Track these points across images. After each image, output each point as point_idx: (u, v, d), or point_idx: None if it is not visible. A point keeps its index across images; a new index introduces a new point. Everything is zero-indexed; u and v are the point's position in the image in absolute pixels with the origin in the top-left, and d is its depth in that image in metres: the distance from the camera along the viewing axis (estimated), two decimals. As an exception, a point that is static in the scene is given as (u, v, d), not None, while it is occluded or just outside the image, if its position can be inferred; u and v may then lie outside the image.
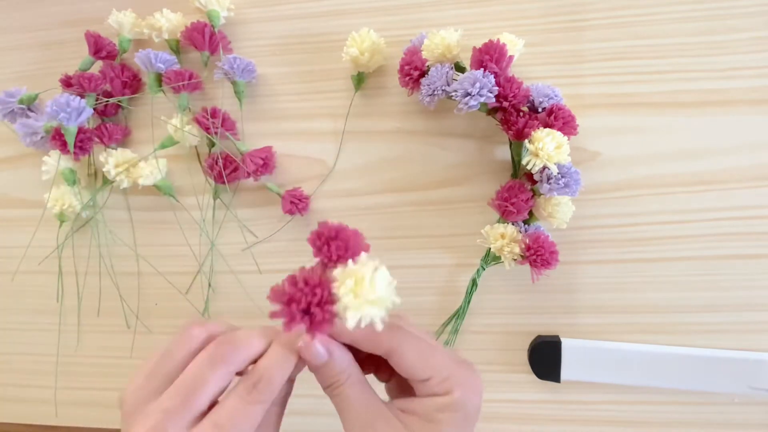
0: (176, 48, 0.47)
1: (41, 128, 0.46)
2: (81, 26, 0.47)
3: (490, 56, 0.38)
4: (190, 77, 0.45)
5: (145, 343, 0.50)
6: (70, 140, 0.44)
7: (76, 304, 0.50)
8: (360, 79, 0.44)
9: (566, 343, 0.43)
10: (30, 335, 0.52)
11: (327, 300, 0.25)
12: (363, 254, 0.25)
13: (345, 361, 0.29)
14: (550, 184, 0.38)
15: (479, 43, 0.38)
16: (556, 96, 0.40)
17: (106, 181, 0.48)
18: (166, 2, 0.46)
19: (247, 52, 0.46)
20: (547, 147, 0.37)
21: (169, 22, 0.45)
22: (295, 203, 0.44)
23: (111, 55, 0.47)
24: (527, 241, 0.39)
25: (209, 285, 0.48)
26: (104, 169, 0.47)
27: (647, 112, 0.42)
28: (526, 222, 0.41)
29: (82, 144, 0.45)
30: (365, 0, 0.44)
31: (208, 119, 0.44)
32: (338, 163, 0.46)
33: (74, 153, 0.45)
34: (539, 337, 0.44)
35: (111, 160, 0.46)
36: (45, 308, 0.51)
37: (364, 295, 0.23)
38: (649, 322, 0.43)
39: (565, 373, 0.43)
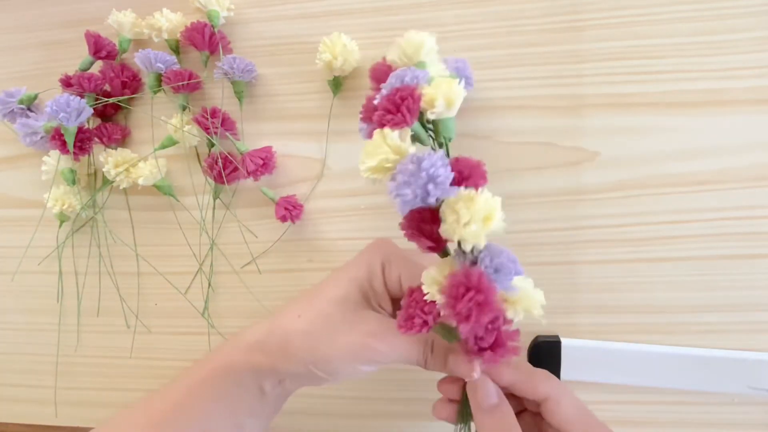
0: (176, 48, 0.47)
1: (41, 128, 0.46)
2: (81, 26, 0.47)
3: (392, 108, 0.29)
4: (190, 77, 0.45)
5: (144, 343, 0.50)
6: (70, 140, 0.44)
7: (76, 304, 0.50)
8: (336, 83, 0.44)
9: (566, 343, 0.43)
10: (30, 335, 0.52)
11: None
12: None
13: (510, 414, 0.30)
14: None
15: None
16: None
17: (106, 181, 0.48)
18: (166, 2, 0.46)
19: (246, 53, 0.46)
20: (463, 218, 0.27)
21: (169, 22, 0.45)
22: (289, 210, 0.44)
23: (111, 55, 0.47)
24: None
25: (209, 285, 0.48)
26: (104, 169, 0.47)
27: (647, 112, 0.42)
28: None
29: (82, 144, 0.45)
30: (364, 0, 0.44)
31: (207, 119, 0.44)
32: (338, 163, 0.46)
33: (74, 153, 0.45)
34: (539, 337, 0.44)
35: (111, 160, 0.46)
36: (45, 308, 0.51)
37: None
38: (649, 322, 0.43)
39: (564, 373, 0.43)
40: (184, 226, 0.48)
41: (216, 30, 0.45)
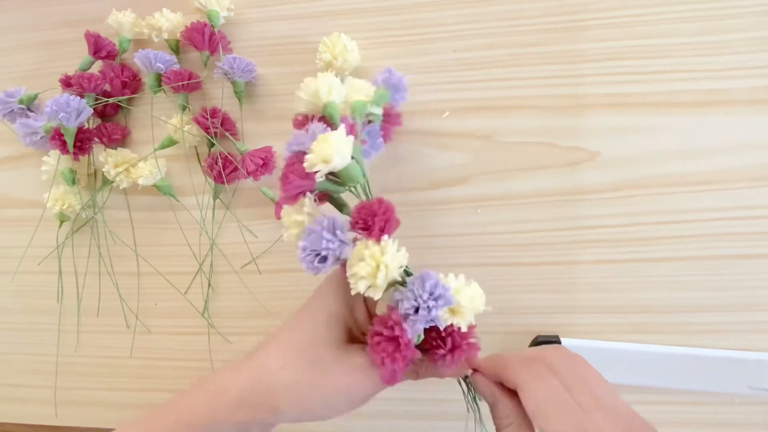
0: (176, 48, 0.47)
1: (41, 128, 0.46)
2: (81, 26, 0.47)
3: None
4: (190, 77, 0.45)
5: (144, 343, 0.50)
6: (70, 140, 0.44)
7: (76, 304, 0.50)
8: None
9: (566, 343, 0.43)
10: (30, 335, 0.52)
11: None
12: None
13: (508, 407, 0.31)
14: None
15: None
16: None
17: (106, 181, 0.48)
18: (166, 2, 0.46)
19: (246, 53, 0.46)
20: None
21: (169, 22, 0.45)
22: None
23: (111, 55, 0.47)
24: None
25: (209, 285, 0.48)
26: (104, 169, 0.47)
27: (647, 112, 0.42)
28: None
29: (82, 144, 0.45)
30: (364, 0, 0.44)
31: (207, 119, 0.44)
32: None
33: (74, 153, 0.45)
34: (539, 337, 0.44)
35: (111, 160, 0.46)
36: (45, 308, 0.51)
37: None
38: (648, 322, 0.43)
39: (564, 373, 0.43)
40: (184, 226, 0.48)
41: (216, 30, 0.45)
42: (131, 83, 0.47)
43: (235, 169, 0.45)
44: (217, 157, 0.45)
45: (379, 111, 0.38)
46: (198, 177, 0.48)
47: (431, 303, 0.29)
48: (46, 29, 0.50)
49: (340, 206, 0.34)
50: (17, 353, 0.53)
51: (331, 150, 0.30)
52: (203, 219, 0.48)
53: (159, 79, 0.46)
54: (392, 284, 0.30)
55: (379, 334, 0.29)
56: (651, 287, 0.43)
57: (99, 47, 0.46)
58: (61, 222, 0.49)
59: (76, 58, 0.48)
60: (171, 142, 0.46)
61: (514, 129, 0.43)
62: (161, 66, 0.45)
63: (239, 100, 0.46)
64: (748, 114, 0.41)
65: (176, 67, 0.46)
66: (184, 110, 0.46)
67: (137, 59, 0.45)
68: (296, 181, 0.31)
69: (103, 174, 0.47)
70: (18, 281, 0.52)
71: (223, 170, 0.45)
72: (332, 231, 0.30)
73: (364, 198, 0.33)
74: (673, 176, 0.42)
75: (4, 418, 0.54)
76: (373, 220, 0.29)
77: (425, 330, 0.30)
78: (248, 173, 0.44)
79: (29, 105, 0.48)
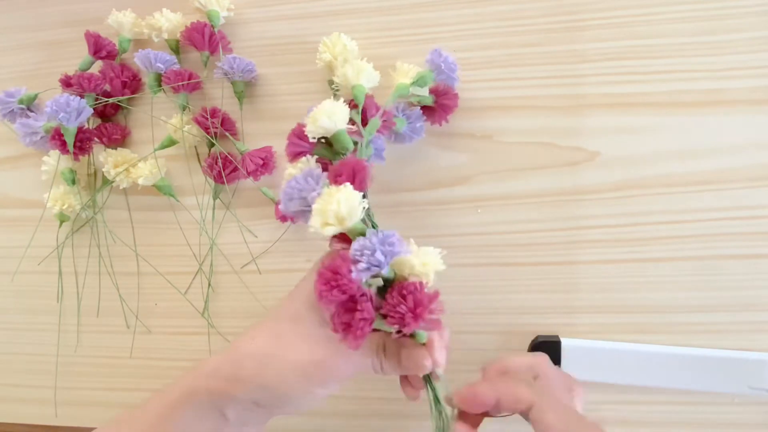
0: (176, 48, 0.47)
1: (41, 128, 0.46)
2: (81, 26, 0.47)
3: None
4: (190, 77, 0.45)
5: (144, 343, 0.50)
6: (70, 140, 0.44)
7: (76, 304, 0.50)
8: (334, 84, 0.44)
9: (566, 343, 0.43)
10: (30, 335, 0.52)
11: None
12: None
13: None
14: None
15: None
16: None
17: (106, 181, 0.48)
18: (166, 2, 0.46)
19: (246, 53, 0.46)
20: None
21: (169, 22, 0.45)
22: None
23: (111, 55, 0.47)
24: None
25: (209, 285, 0.48)
26: (104, 169, 0.47)
27: (647, 112, 0.42)
28: None
29: (82, 144, 0.45)
30: (364, 0, 0.44)
31: (207, 119, 0.44)
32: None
33: (74, 153, 0.45)
34: (539, 337, 0.44)
35: (111, 160, 0.46)
36: (45, 308, 0.51)
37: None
38: (649, 322, 0.43)
39: (564, 373, 0.43)
40: (184, 226, 0.48)
41: (216, 30, 0.45)
42: (131, 83, 0.47)
43: (235, 169, 0.45)
44: (217, 157, 0.45)
45: (423, 92, 0.40)
46: (198, 177, 0.48)
47: (378, 247, 0.29)
48: (46, 29, 0.50)
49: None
50: (17, 353, 0.53)
51: (320, 112, 0.32)
52: (203, 219, 0.48)
53: (159, 79, 0.46)
54: (355, 236, 0.30)
55: (325, 274, 0.29)
56: (651, 287, 0.43)
57: (99, 47, 0.46)
58: (61, 222, 0.49)
59: (76, 58, 0.48)
60: (171, 142, 0.46)
61: (514, 129, 0.43)
62: (161, 66, 0.45)
63: (239, 100, 0.46)
64: (748, 114, 0.41)
65: (176, 67, 0.46)
66: (184, 110, 0.46)
67: (137, 59, 0.45)
68: (296, 141, 0.34)
69: (103, 174, 0.47)
70: (18, 281, 0.52)
71: (223, 170, 0.45)
72: (305, 177, 0.32)
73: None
74: (673, 176, 0.42)
75: (4, 418, 0.54)
76: (343, 170, 0.31)
77: (385, 298, 0.30)
78: (248, 173, 0.44)
79: (29, 105, 0.48)
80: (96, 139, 0.47)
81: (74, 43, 0.48)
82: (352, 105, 0.37)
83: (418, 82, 0.40)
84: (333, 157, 0.35)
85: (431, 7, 0.44)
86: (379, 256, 0.28)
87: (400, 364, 0.32)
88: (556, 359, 0.43)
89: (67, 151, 0.44)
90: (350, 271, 0.28)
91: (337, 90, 0.41)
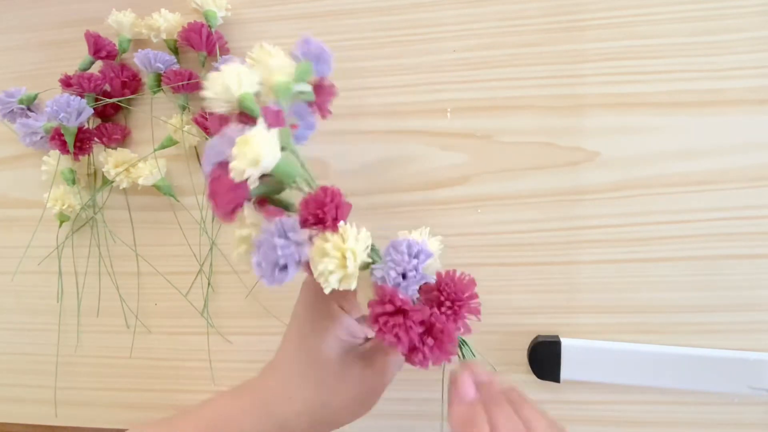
0: (175, 48, 0.47)
1: (41, 128, 0.46)
2: (81, 26, 0.47)
3: None
4: (190, 77, 0.45)
5: (144, 343, 0.50)
6: (70, 140, 0.44)
7: (76, 304, 0.50)
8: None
9: (566, 343, 0.43)
10: (30, 335, 0.52)
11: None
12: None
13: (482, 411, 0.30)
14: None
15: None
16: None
17: (106, 181, 0.48)
18: (166, 2, 0.46)
19: (244, 53, 0.46)
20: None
21: (167, 22, 0.45)
22: None
23: (111, 55, 0.47)
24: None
25: (209, 285, 0.48)
26: (104, 169, 0.47)
27: (647, 112, 0.41)
28: None
29: (82, 144, 0.45)
30: (364, 0, 0.44)
31: (207, 119, 0.44)
32: (338, 163, 0.46)
33: (74, 153, 0.45)
34: (539, 337, 0.44)
35: (111, 160, 0.46)
36: (45, 308, 0.51)
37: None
38: (649, 322, 0.43)
39: (564, 373, 0.43)
40: (184, 226, 0.48)
41: (213, 30, 0.45)
42: (131, 83, 0.47)
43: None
44: (217, 157, 0.45)
45: (306, 88, 0.35)
46: (198, 177, 0.48)
47: (414, 262, 0.28)
48: (46, 29, 0.50)
49: (285, 206, 0.31)
50: (17, 353, 0.53)
51: (256, 150, 0.26)
52: (203, 219, 0.48)
53: (159, 79, 0.46)
54: (363, 268, 0.29)
55: (382, 314, 0.27)
56: (651, 287, 0.43)
57: (99, 47, 0.46)
58: (61, 222, 0.49)
59: (76, 58, 0.48)
60: (171, 142, 0.46)
61: (514, 129, 0.43)
62: (161, 66, 0.45)
63: (239, 100, 0.46)
64: (748, 114, 0.41)
65: (176, 67, 0.46)
66: (183, 110, 0.46)
67: (137, 59, 0.45)
68: (227, 195, 0.28)
69: (103, 174, 0.47)
70: (18, 281, 0.52)
71: (223, 170, 0.45)
72: (284, 235, 0.27)
73: (308, 190, 0.30)
74: (673, 176, 0.42)
75: (4, 418, 0.54)
76: (324, 211, 0.27)
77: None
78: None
79: (29, 105, 0.48)
80: (96, 139, 0.47)
81: (74, 43, 0.48)
82: (243, 118, 0.31)
83: (299, 77, 0.34)
84: (276, 192, 0.30)
85: (431, 7, 0.43)
86: (421, 271, 0.29)
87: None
88: (557, 359, 0.43)
89: (67, 151, 0.44)
90: (407, 299, 0.28)
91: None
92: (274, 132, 0.28)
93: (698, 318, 0.42)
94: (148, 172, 0.46)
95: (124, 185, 0.47)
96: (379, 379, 0.32)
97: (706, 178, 0.41)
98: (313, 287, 0.33)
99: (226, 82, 0.30)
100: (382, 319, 0.27)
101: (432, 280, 0.30)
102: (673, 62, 0.41)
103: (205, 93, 0.30)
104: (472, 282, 0.30)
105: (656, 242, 0.42)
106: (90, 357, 0.51)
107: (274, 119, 0.29)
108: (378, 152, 0.45)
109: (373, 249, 0.30)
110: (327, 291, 0.28)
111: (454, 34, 0.43)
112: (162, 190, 0.47)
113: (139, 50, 0.45)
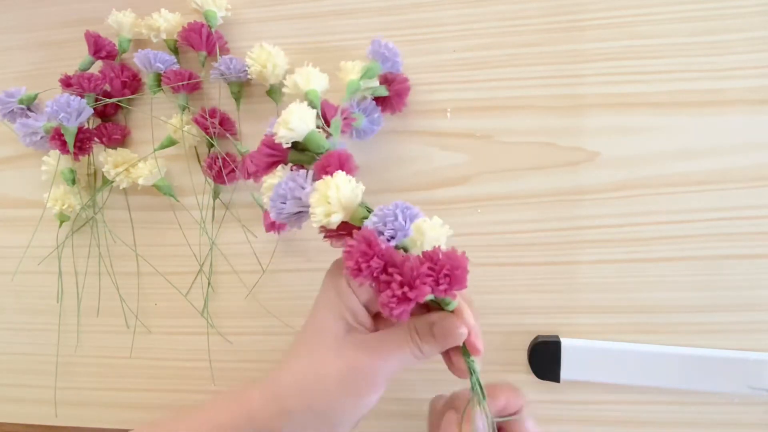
0: (174, 48, 0.47)
1: (41, 128, 0.46)
2: (81, 26, 0.47)
3: None
4: (190, 77, 0.45)
5: (144, 343, 0.50)
6: (70, 140, 0.44)
7: (76, 304, 0.50)
8: (273, 91, 0.44)
9: (566, 343, 0.43)
10: (30, 335, 0.52)
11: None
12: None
13: None
14: None
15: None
16: None
17: (106, 181, 0.48)
18: (166, 2, 0.46)
19: (244, 53, 0.46)
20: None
21: (167, 22, 0.45)
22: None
23: (111, 55, 0.47)
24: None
25: (209, 285, 0.48)
26: (104, 169, 0.47)
27: (647, 112, 0.41)
28: None
29: (82, 144, 0.45)
30: (364, 0, 0.44)
31: (207, 119, 0.44)
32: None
33: (74, 153, 0.45)
34: (539, 337, 0.44)
35: (111, 160, 0.46)
36: (45, 308, 0.51)
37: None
38: (649, 322, 0.43)
39: (564, 373, 0.43)
40: (184, 226, 0.48)
41: (213, 30, 0.45)
42: (131, 83, 0.47)
43: (235, 168, 0.45)
44: (217, 157, 0.45)
45: (374, 83, 0.40)
46: (198, 177, 0.48)
47: (398, 212, 0.29)
48: (46, 29, 0.50)
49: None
50: (17, 353, 0.53)
51: (290, 116, 0.32)
52: (203, 219, 0.48)
53: (159, 79, 0.46)
54: (359, 222, 0.30)
55: (351, 245, 0.28)
56: (651, 287, 0.43)
57: (99, 47, 0.46)
58: (61, 222, 0.49)
59: (76, 58, 0.48)
60: (171, 142, 0.46)
61: (514, 129, 0.43)
62: (161, 66, 0.45)
63: (236, 100, 0.46)
64: (748, 114, 0.41)
65: (176, 67, 0.46)
66: (183, 110, 0.46)
67: (137, 59, 0.45)
68: (268, 150, 0.34)
69: (103, 174, 0.47)
70: (18, 281, 0.52)
71: (223, 170, 0.45)
72: (292, 178, 0.32)
73: None
74: (673, 176, 0.42)
75: (4, 418, 0.54)
76: (328, 162, 0.31)
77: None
78: (248, 174, 0.44)
79: (29, 105, 0.48)
80: (96, 139, 0.47)
81: (74, 43, 0.48)
82: None
83: (367, 74, 0.40)
84: (309, 161, 0.34)
85: (431, 7, 0.43)
86: (401, 220, 0.29)
87: (436, 339, 0.31)
88: (556, 359, 0.43)
89: (67, 151, 0.44)
90: (375, 236, 0.28)
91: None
92: (312, 110, 0.33)
93: (698, 318, 0.42)
94: (148, 172, 0.46)
95: (124, 185, 0.47)
96: (371, 365, 0.31)
97: (706, 178, 0.41)
98: (332, 265, 0.34)
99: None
100: (348, 248, 0.28)
101: (410, 233, 0.30)
102: (673, 62, 0.41)
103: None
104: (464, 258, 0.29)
105: (656, 242, 0.42)
106: (90, 357, 0.51)
107: (329, 111, 0.36)
108: (378, 152, 0.45)
109: (370, 211, 0.31)
110: (316, 226, 0.30)
111: (454, 34, 0.43)
112: (162, 190, 0.47)
113: (139, 50, 0.45)
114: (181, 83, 0.44)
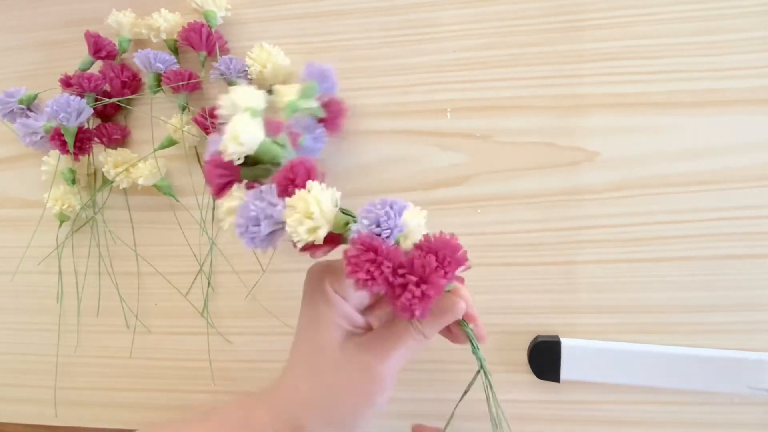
0: (174, 48, 0.47)
1: (41, 128, 0.46)
2: (81, 26, 0.47)
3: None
4: (190, 77, 0.45)
5: (144, 343, 0.50)
6: (70, 140, 0.44)
7: (76, 304, 0.50)
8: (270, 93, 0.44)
9: (566, 343, 0.43)
10: (30, 335, 0.52)
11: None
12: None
13: None
14: None
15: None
16: None
17: (106, 181, 0.48)
18: (166, 2, 0.46)
19: (244, 53, 0.46)
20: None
21: (167, 22, 0.45)
22: None
23: (111, 55, 0.47)
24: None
25: (209, 285, 0.48)
26: (104, 169, 0.47)
27: (647, 112, 0.42)
28: None
29: (82, 144, 0.45)
30: (364, 0, 0.44)
31: (207, 119, 0.44)
32: (337, 163, 0.46)
33: (74, 153, 0.45)
34: (539, 337, 0.44)
35: (111, 160, 0.46)
36: (45, 308, 0.51)
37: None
38: (649, 322, 0.43)
39: (564, 373, 0.43)
40: (184, 226, 0.48)
41: (213, 30, 0.45)
42: (131, 83, 0.47)
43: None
44: (217, 157, 0.45)
45: (312, 104, 0.40)
46: (198, 177, 0.48)
47: (387, 209, 0.28)
48: (46, 29, 0.50)
49: None
50: (17, 353, 0.53)
51: (237, 129, 0.30)
52: (203, 219, 0.48)
53: (159, 79, 0.46)
54: (341, 229, 0.29)
55: (354, 254, 0.27)
56: (651, 287, 0.43)
57: (99, 47, 0.46)
58: (61, 222, 0.49)
59: (76, 58, 0.48)
60: (171, 142, 0.46)
61: (514, 129, 0.43)
62: (161, 66, 0.45)
63: (239, 100, 0.46)
64: (748, 114, 0.41)
65: (176, 67, 0.46)
66: (183, 110, 0.46)
67: (137, 59, 0.45)
68: (217, 170, 0.31)
69: (103, 174, 0.47)
70: (18, 281, 0.52)
71: (223, 170, 0.45)
72: (258, 197, 0.30)
73: None
74: (673, 176, 0.42)
75: (4, 418, 0.54)
76: (294, 172, 0.29)
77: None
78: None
79: (29, 105, 0.48)
80: (96, 139, 0.47)
81: (74, 43, 0.48)
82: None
83: (305, 94, 0.39)
84: (264, 175, 0.32)
85: (431, 7, 0.44)
86: (394, 217, 0.28)
87: (436, 317, 0.31)
88: (556, 359, 0.43)
89: (67, 151, 0.44)
90: (379, 239, 0.27)
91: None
92: (257, 121, 0.31)
93: (698, 318, 0.42)
94: (148, 172, 0.46)
95: (124, 185, 0.47)
96: (379, 366, 0.31)
97: (705, 178, 0.41)
98: (309, 275, 0.34)
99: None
100: (353, 259, 0.27)
101: (403, 227, 0.30)
102: (673, 62, 0.41)
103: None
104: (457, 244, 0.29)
105: (656, 242, 0.42)
106: (90, 357, 0.51)
107: (273, 128, 0.33)
108: (378, 152, 0.45)
109: (349, 214, 0.30)
110: (299, 246, 0.29)
111: (454, 34, 0.43)
112: (162, 190, 0.47)
113: (139, 50, 0.45)
114: (181, 83, 0.44)
